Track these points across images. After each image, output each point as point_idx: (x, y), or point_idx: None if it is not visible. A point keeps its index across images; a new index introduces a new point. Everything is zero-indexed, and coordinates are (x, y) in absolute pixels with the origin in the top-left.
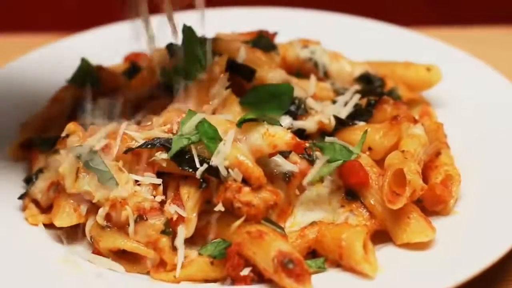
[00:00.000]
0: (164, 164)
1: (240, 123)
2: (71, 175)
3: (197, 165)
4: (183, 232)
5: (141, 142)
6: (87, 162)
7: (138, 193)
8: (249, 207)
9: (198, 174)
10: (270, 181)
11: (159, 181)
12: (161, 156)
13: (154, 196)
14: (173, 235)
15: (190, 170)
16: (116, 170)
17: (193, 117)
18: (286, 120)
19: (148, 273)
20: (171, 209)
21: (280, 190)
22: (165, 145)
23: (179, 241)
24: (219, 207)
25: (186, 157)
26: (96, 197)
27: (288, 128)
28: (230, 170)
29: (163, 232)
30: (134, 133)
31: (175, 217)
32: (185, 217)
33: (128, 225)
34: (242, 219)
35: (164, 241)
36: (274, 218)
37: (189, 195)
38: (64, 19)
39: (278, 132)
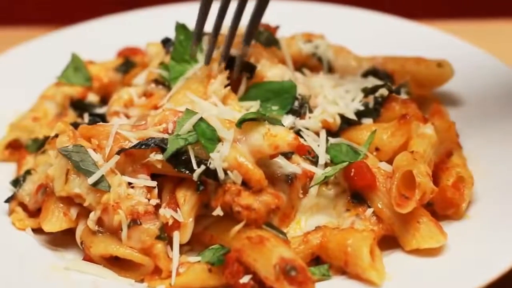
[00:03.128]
0: (159, 166)
1: (239, 123)
2: (60, 177)
3: (194, 166)
4: (178, 238)
5: (135, 142)
6: (77, 163)
7: (132, 196)
8: (249, 211)
9: (195, 176)
10: (272, 183)
11: (153, 183)
12: (156, 157)
13: (149, 200)
14: (168, 240)
15: (187, 172)
16: (108, 171)
17: (191, 117)
18: (288, 119)
19: (142, 280)
20: (166, 213)
21: (283, 193)
22: (160, 145)
23: (175, 247)
24: (218, 212)
25: (183, 158)
26: (87, 200)
27: (291, 128)
28: (229, 172)
29: (158, 237)
30: (128, 133)
31: (170, 222)
32: (181, 222)
33: (121, 230)
34: (241, 224)
35: (159, 247)
36: (276, 223)
37: (186, 199)
38: (53, 11)
39: (280, 132)
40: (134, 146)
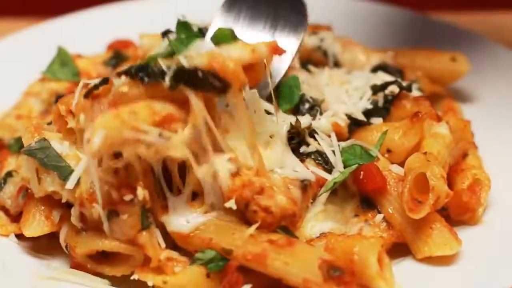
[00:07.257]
0: (126, 89)
1: (214, 37)
2: (34, 178)
3: (165, 69)
4: (142, 194)
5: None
6: (43, 161)
7: (104, 178)
8: (267, 213)
9: (168, 79)
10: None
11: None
12: (121, 79)
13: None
14: (156, 223)
15: (158, 79)
16: (71, 157)
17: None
18: (305, 119)
19: (132, 273)
20: (140, 194)
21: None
22: (128, 71)
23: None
24: (231, 204)
25: (151, 71)
26: (64, 196)
27: (307, 128)
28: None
29: (141, 228)
30: (93, 80)
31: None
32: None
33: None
34: (255, 226)
35: (144, 235)
36: None
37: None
38: (38, 1)
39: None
40: (101, 82)
